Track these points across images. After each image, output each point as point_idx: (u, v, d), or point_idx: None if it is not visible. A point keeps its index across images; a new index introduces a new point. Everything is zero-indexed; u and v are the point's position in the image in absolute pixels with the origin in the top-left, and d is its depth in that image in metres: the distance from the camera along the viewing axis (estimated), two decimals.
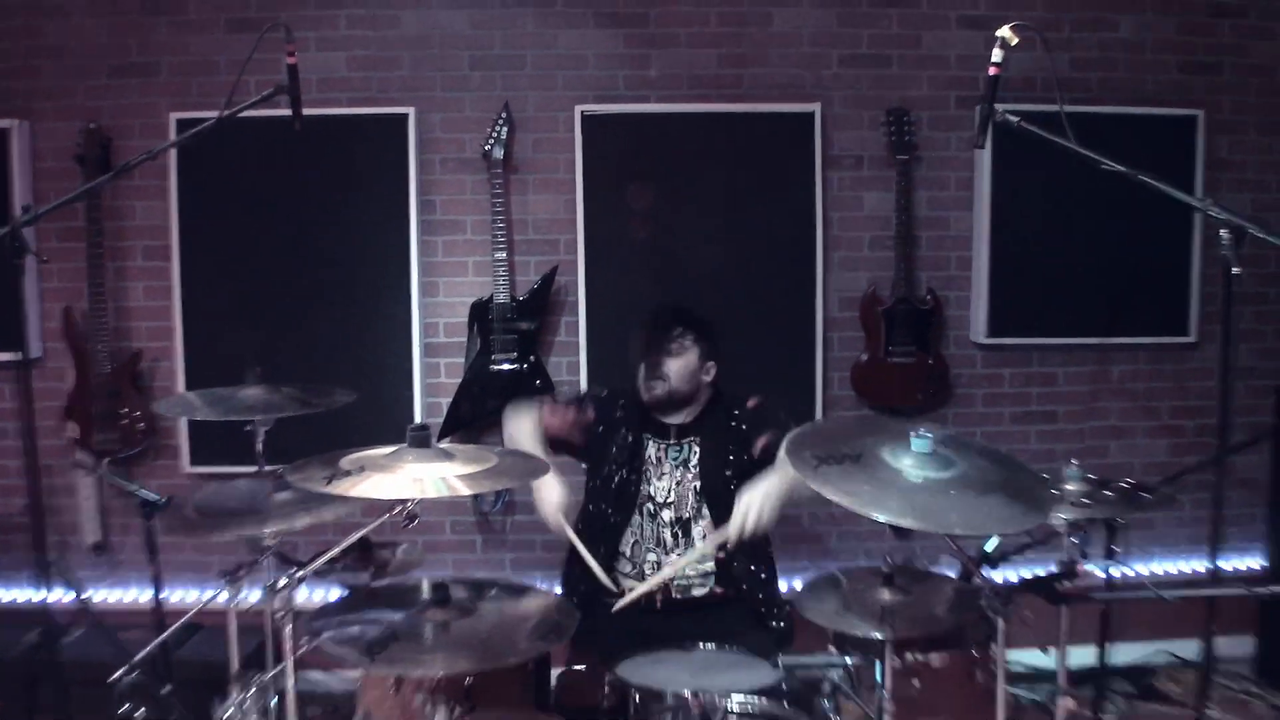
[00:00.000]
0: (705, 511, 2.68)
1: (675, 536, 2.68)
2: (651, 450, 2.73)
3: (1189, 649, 3.58)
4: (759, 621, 2.67)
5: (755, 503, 2.43)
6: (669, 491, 2.71)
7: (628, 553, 2.71)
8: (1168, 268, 3.74)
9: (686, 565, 2.62)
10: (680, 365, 2.68)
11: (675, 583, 2.64)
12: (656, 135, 3.67)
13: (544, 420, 2.77)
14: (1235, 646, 3.63)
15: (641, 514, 2.70)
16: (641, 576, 2.66)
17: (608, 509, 2.72)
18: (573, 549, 2.66)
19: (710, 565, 2.66)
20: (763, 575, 2.72)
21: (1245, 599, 3.22)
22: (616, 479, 2.71)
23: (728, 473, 2.67)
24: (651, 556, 2.69)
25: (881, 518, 1.74)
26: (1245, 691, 3.41)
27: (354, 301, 3.65)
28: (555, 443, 2.77)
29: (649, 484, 2.71)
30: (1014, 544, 2.44)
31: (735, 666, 2.28)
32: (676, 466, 2.72)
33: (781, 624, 2.67)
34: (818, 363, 3.70)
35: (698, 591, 2.66)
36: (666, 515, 2.69)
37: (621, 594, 2.58)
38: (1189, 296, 3.76)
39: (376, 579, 2.30)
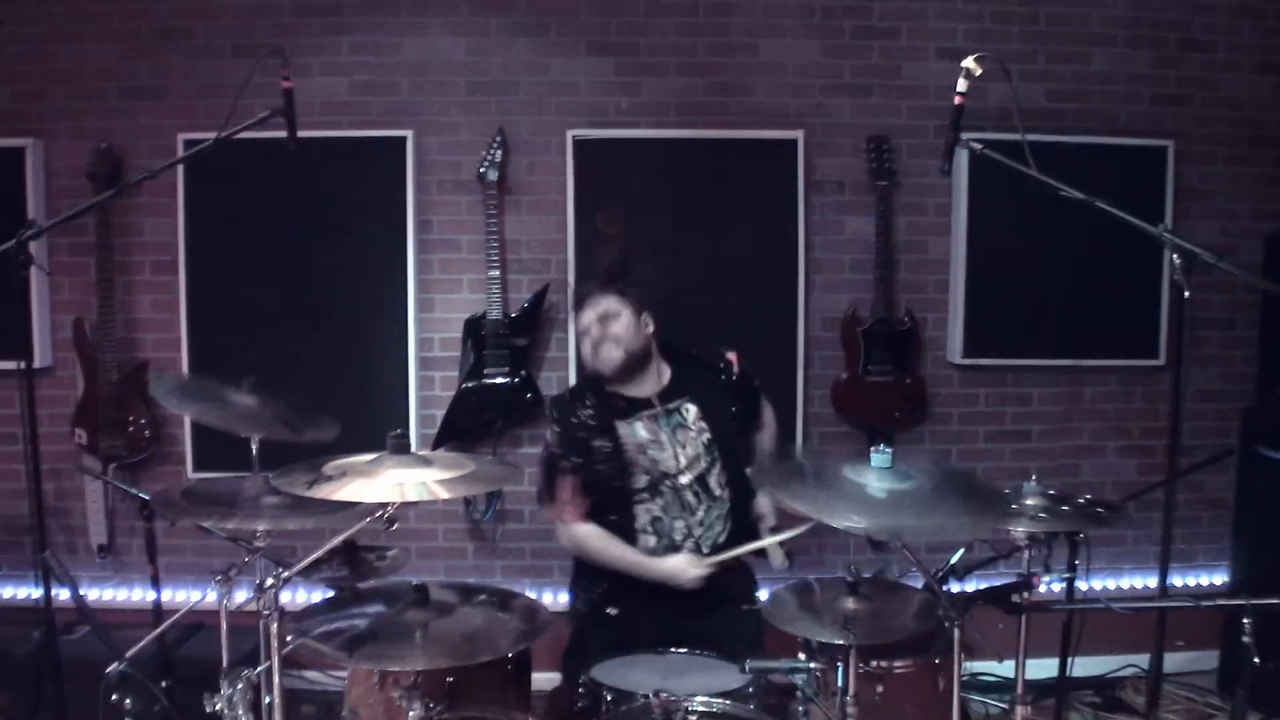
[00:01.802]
0: (718, 461, 2.72)
1: (697, 495, 2.70)
2: (638, 428, 2.72)
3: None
4: (739, 613, 2.69)
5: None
6: (676, 456, 2.70)
7: (649, 528, 2.69)
8: (1138, 292, 3.78)
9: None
10: (621, 328, 2.69)
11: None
12: (645, 159, 3.72)
13: (578, 508, 2.72)
14: (1203, 661, 3.66)
15: (661, 492, 2.69)
16: (672, 547, 2.67)
17: (608, 510, 2.71)
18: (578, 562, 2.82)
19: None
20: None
21: (1212, 613, 3.23)
22: (602, 477, 2.69)
23: (733, 420, 2.80)
24: (680, 524, 2.69)
25: (834, 522, 1.80)
26: (1208, 704, 3.44)
27: (353, 316, 3.71)
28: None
29: (659, 460, 2.69)
30: (978, 558, 2.47)
31: (705, 670, 2.34)
32: (675, 430, 2.72)
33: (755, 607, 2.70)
34: (799, 381, 3.75)
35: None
36: (685, 479, 2.70)
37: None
38: (1159, 320, 3.79)
39: (362, 581, 2.33)
